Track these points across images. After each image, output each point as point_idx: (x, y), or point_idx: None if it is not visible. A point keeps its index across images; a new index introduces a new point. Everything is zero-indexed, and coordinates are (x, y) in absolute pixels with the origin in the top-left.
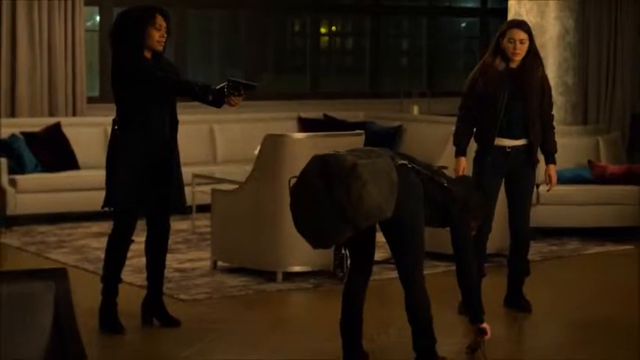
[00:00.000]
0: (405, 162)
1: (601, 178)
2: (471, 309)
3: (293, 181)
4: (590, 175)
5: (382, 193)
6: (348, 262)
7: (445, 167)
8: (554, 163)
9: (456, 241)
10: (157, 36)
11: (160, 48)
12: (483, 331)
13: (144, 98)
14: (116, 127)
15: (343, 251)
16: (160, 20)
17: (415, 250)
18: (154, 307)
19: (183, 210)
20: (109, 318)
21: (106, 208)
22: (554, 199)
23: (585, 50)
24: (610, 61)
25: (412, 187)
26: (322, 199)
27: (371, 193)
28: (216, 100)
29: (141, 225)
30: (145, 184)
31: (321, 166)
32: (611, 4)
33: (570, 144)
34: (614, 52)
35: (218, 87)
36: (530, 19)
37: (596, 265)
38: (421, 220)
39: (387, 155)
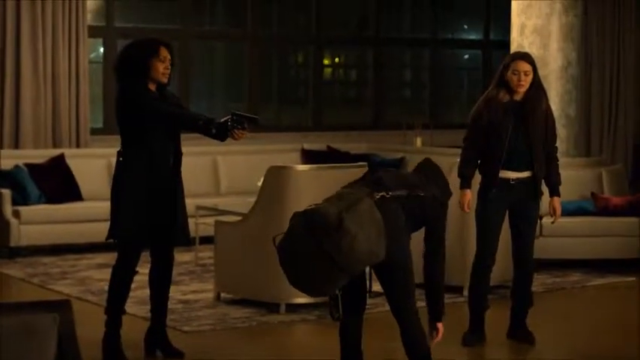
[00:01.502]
0: (382, 193)
1: (604, 210)
2: (438, 306)
3: (278, 238)
4: (594, 207)
5: (371, 239)
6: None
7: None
8: (559, 195)
9: (432, 237)
10: (162, 68)
11: (165, 80)
12: (437, 330)
13: (148, 130)
14: (121, 158)
15: (337, 292)
16: (163, 52)
17: (405, 282)
18: (158, 339)
19: (188, 242)
20: (112, 350)
21: (111, 240)
22: (558, 231)
23: (588, 82)
24: (613, 93)
25: (394, 217)
26: (313, 255)
27: (361, 243)
28: (220, 133)
29: (145, 257)
30: (149, 215)
31: (305, 223)
32: (613, 37)
33: (573, 176)
34: (617, 84)
35: (222, 120)
36: (532, 51)
37: (599, 297)
38: (408, 252)
39: (365, 192)
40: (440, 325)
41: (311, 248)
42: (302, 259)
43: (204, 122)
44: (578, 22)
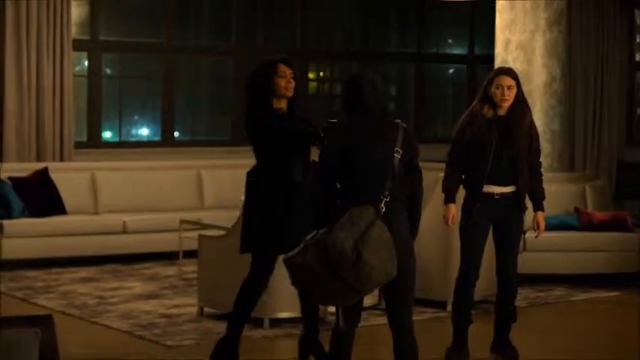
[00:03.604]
0: (384, 200)
1: (588, 225)
2: (414, 227)
3: (291, 261)
4: (577, 222)
5: (386, 261)
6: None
7: None
8: (543, 209)
9: (412, 170)
10: (283, 83)
11: (290, 94)
12: None
13: (276, 146)
14: (251, 178)
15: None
16: (282, 68)
17: (407, 293)
18: (311, 345)
19: None
20: (229, 352)
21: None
22: (541, 246)
23: (572, 98)
24: (597, 108)
25: (401, 227)
26: (330, 282)
27: (379, 270)
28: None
29: None
30: (280, 228)
31: (321, 258)
32: (597, 53)
33: (557, 191)
34: (601, 99)
35: (322, 127)
36: (517, 66)
37: (583, 312)
38: (414, 264)
39: (372, 213)
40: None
41: (328, 278)
42: (317, 283)
43: (309, 135)
44: (562, 37)
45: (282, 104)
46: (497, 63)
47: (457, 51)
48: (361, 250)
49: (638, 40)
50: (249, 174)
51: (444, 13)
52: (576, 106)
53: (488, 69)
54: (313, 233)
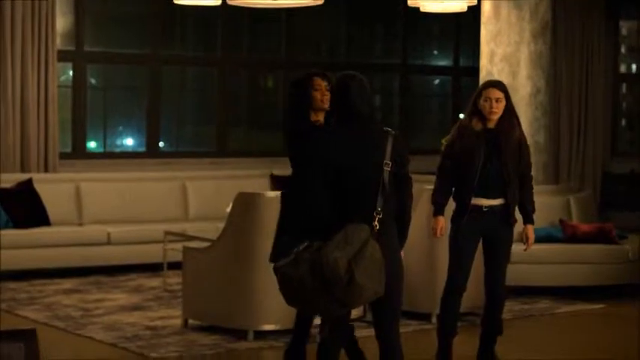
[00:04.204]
0: (378, 217)
1: (572, 237)
2: (402, 235)
3: (281, 268)
4: (562, 234)
5: (375, 280)
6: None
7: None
8: (532, 222)
9: (402, 177)
10: (319, 96)
11: (325, 106)
12: None
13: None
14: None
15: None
16: (317, 82)
17: (395, 307)
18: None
19: None
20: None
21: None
22: (526, 258)
23: (557, 109)
24: (581, 120)
25: (392, 244)
26: (319, 296)
27: (369, 289)
28: None
29: None
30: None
31: (313, 270)
32: (582, 64)
33: (542, 203)
34: (586, 111)
35: None
36: (502, 78)
37: (568, 325)
38: (402, 278)
39: (367, 232)
40: (401, 253)
41: (319, 293)
42: (307, 297)
43: None
44: (547, 50)
45: (320, 117)
46: (483, 75)
47: (442, 62)
48: (354, 271)
49: (622, 51)
50: (285, 186)
51: (429, 24)
52: (561, 118)
53: (473, 81)
54: (306, 244)
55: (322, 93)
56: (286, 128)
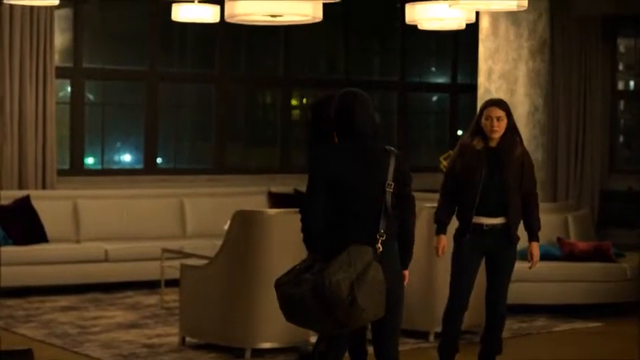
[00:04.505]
0: (381, 239)
1: (570, 255)
2: (406, 256)
3: (283, 287)
4: (560, 252)
5: (376, 302)
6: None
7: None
8: (537, 240)
9: (404, 198)
10: None
11: None
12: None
13: None
14: None
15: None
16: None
17: (396, 328)
18: None
19: None
20: None
21: None
22: (523, 276)
23: (555, 128)
24: (579, 138)
25: (393, 265)
26: (319, 316)
27: (369, 312)
28: None
29: None
30: None
31: (315, 291)
32: (580, 83)
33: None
34: (583, 129)
35: None
36: (499, 96)
37: (566, 343)
38: (403, 299)
39: (370, 254)
40: (406, 273)
41: (319, 313)
42: (307, 316)
43: None
44: (545, 67)
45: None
46: (480, 92)
47: (440, 80)
48: (356, 294)
49: (620, 68)
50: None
51: (427, 41)
52: (559, 136)
53: (471, 98)
54: (308, 262)
55: None
56: (310, 149)
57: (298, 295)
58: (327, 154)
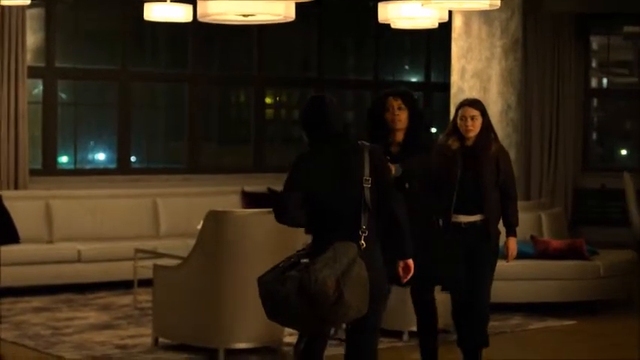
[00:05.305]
0: (364, 235)
1: (544, 253)
2: (405, 245)
3: (265, 283)
4: (533, 250)
5: (360, 298)
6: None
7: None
8: (515, 235)
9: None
10: (389, 117)
11: (396, 126)
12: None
13: None
14: None
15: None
16: (390, 102)
17: (376, 324)
18: None
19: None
20: None
21: None
22: (497, 275)
23: (528, 126)
24: (552, 135)
25: (377, 263)
26: (302, 313)
27: (354, 309)
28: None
29: None
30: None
31: (300, 289)
32: (553, 81)
33: None
34: (557, 127)
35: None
36: (473, 94)
37: (540, 341)
38: (385, 295)
39: (355, 250)
40: (409, 262)
41: (303, 310)
42: (290, 313)
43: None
44: (518, 66)
45: (398, 136)
46: (454, 91)
47: (414, 78)
48: (343, 290)
49: (593, 66)
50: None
51: (400, 40)
52: (532, 134)
53: (445, 96)
54: (292, 259)
55: (393, 113)
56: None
57: (283, 293)
58: (306, 159)
